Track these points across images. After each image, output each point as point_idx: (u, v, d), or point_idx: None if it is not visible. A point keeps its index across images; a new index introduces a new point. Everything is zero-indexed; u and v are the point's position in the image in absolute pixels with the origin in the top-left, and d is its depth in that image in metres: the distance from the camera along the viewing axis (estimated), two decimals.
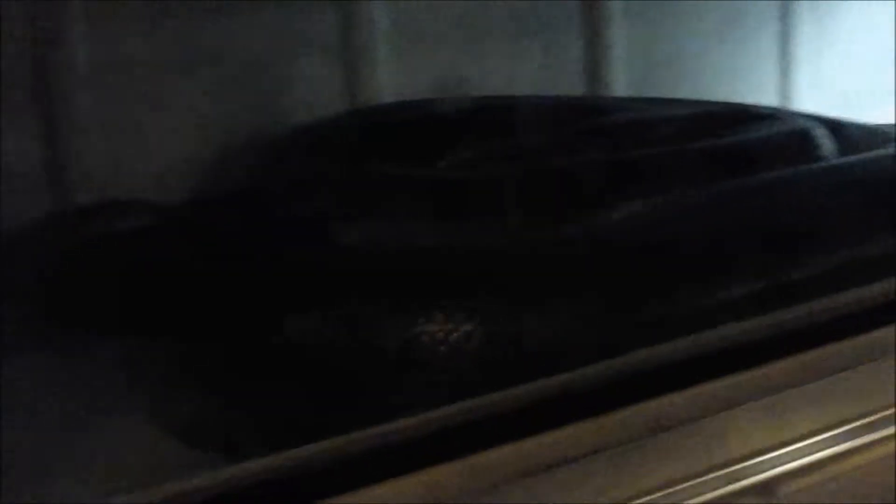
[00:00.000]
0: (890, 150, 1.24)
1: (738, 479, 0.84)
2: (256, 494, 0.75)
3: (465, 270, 0.95)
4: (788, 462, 0.89)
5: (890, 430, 0.94)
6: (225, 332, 0.93)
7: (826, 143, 1.31)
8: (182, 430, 0.95)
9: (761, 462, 0.87)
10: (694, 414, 0.86)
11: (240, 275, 0.95)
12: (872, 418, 0.94)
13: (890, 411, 0.95)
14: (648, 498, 0.80)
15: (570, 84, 1.95)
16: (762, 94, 2.23)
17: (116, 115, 1.47)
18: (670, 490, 0.80)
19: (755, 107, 1.63)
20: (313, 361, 0.91)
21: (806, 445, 0.90)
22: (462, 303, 0.90)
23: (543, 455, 0.79)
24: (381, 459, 0.75)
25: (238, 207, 1.08)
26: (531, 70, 1.92)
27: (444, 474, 0.74)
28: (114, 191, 1.42)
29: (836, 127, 1.42)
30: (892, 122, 1.66)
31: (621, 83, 2.00)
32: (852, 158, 1.24)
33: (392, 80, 1.77)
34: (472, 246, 1.07)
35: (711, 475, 0.85)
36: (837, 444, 0.91)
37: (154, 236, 1.07)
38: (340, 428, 0.78)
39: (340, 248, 0.98)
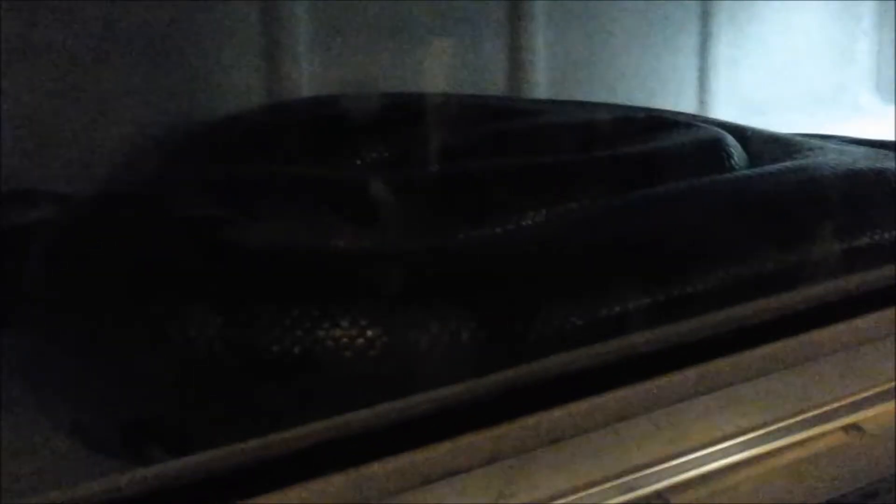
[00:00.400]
0: (800, 162, 1.25)
1: (632, 490, 0.84)
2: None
3: (369, 275, 0.94)
4: (682, 472, 0.89)
5: (785, 441, 0.95)
6: (119, 331, 0.91)
7: (737, 153, 1.32)
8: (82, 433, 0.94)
9: (655, 472, 0.88)
10: (589, 424, 0.86)
11: (130, 273, 0.93)
12: (769, 429, 0.95)
13: (785, 423, 0.96)
14: None
15: (490, 83, 1.96)
16: (679, 99, 2.26)
17: (25, 103, 1.44)
18: (564, 501, 0.80)
19: (672, 113, 1.64)
20: (211, 366, 0.89)
21: (700, 456, 0.90)
22: (366, 308, 0.89)
23: (438, 464, 0.79)
24: (271, 469, 0.75)
25: (139, 203, 1.06)
26: (451, 68, 1.91)
27: (335, 484, 0.74)
28: (23, 180, 1.40)
29: (748, 136, 1.43)
30: (803, 130, 1.68)
31: (541, 83, 2.01)
32: (761, 171, 1.25)
33: (310, 75, 1.76)
34: (375, 250, 1.07)
35: (606, 485, 0.85)
36: (732, 454, 0.92)
37: (52, 228, 1.04)
38: (236, 436, 0.78)
39: (244, 250, 0.96)
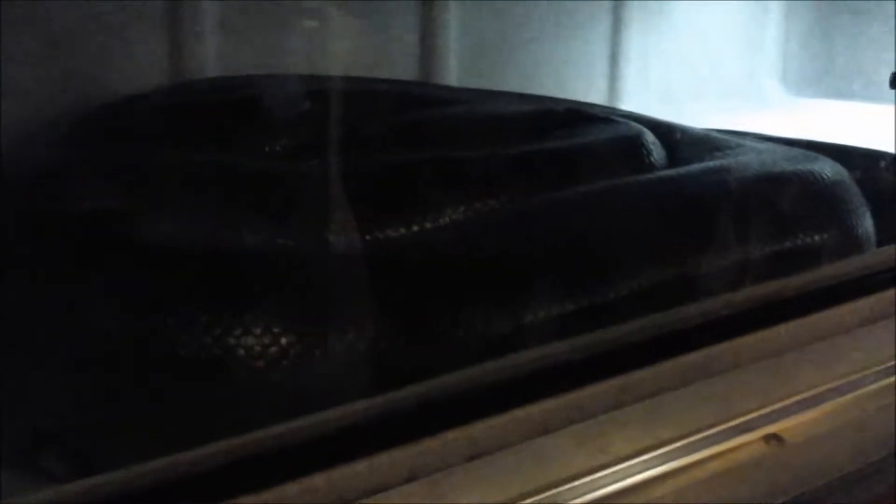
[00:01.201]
0: (719, 162, 1.23)
1: None
2: None
3: (279, 277, 0.89)
4: (604, 486, 0.87)
5: (706, 453, 0.94)
6: (12, 336, 0.85)
7: (656, 150, 1.30)
8: None
9: (576, 487, 0.85)
10: (510, 439, 0.83)
11: (22, 272, 0.87)
12: (689, 440, 0.94)
13: (706, 433, 0.94)
14: None
15: (401, 67, 1.92)
16: (591, 87, 2.24)
17: None
18: None
19: (590, 107, 1.62)
20: (110, 373, 0.84)
21: (621, 469, 0.88)
22: (279, 313, 0.85)
23: (355, 483, 0.75)
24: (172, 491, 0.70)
25: (31, 192, 1.00)
26: (362, 51, 1.87)
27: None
28: None
29: (667, 131, 1.41)
30: (710, 120, 1.68)
31: (453, 69, 1.98)
32: (680, 171, 1.23)
33: (215, 54, 1.71)
34: (284, 249, 1.02)
35: (527, 501, 0.82)
36: (653, 467, 0.90)
37: None
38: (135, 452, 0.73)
39: (145, 247, 0.91)
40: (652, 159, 1.28)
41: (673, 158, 1.33)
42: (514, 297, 0.96)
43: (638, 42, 2.36)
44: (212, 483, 0.71)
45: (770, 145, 1.36)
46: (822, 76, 2.71)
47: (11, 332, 0.88)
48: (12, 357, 0.87)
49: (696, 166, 1.23)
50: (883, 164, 1.40)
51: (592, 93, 2.24)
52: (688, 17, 2.46)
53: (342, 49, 1.84)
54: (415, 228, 1.09)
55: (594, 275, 1.00)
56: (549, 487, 0.84)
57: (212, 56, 1.71)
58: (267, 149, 1.43)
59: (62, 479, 0.74)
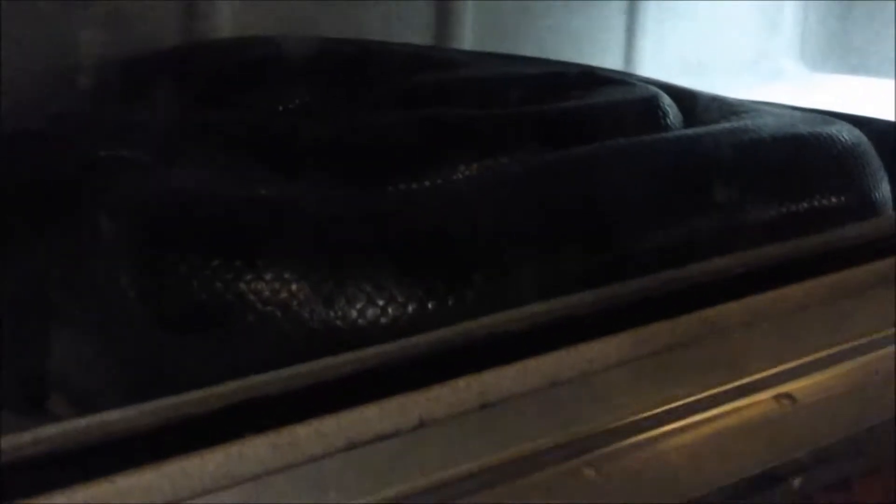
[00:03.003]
0: (736, 123, 1.22)
1: (563, 459, 0.81)
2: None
3: (290, 228, 0.89)
4: (613, 442, 0.86)
5: (717, 410, 0.93)
6: (20, 278, 0.85)
7: (672, 112, 1.29)
8: None
9: (585, 440, 0.85)
10: (520, 388, 0.83)
11: (34, 217, 0.87)
12: (700, 396, 0.93)
13: (716, 390, 0.94)
14: None
15: (416, 32, 1.92)
16: (606, 56, 2.23)
17: None
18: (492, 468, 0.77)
19: (604, 70, 1.61)
20: (122, 316, 0.84)
21: (631, 423, 0.87)
22: (287, 261, 0.84)
23: (365, 428, 0.75)
24: (184, 429, 0.70)
25: (46, 141, 0.99)
26: (377, 15, 1.87)
27: (254, 446, 0.69)
28: None
29: (683, 96, 1.40)
30: (728, 93, 1.66)
31: (468, 35, 1.97)
32: (697, 130, 1.22)
33: (231, 14, 1.71)
34: (300, 199, 1.01)
35: (535, 452, 0.82)
36: (663, 424, 0.89)
37: None
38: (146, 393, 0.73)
39: (159, 195, 0.91)
40: (668, 121, 1.27)
41: (689, 121, 1.31)
42: (526, 256, 0.96)
43: (655, 15, 2.35)
44: (220, 423, 0.71)
45: (787, 110, 1.35)
46: (840, 52, 2.69)
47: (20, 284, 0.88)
48: (20, 305, 0.87)
49: (712, 126, 1.22)
50: None
51: (608, 63, 2.23)
52: None
53: (356, 13, 1.84)
54: (426, 184, 1.09)
55: (607, 233, 0.99)
56: (557, 439, 0.84)
57: (226, 17, 1.70)
58: (281, 108, 1.43)
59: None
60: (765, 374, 0.96)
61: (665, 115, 1.27)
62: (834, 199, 1.12)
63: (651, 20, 2.34)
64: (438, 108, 1.27)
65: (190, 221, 0.89)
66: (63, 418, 0.81)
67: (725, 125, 1.21)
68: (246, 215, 0.91)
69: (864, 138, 1.20)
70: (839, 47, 2.70)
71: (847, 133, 1.18)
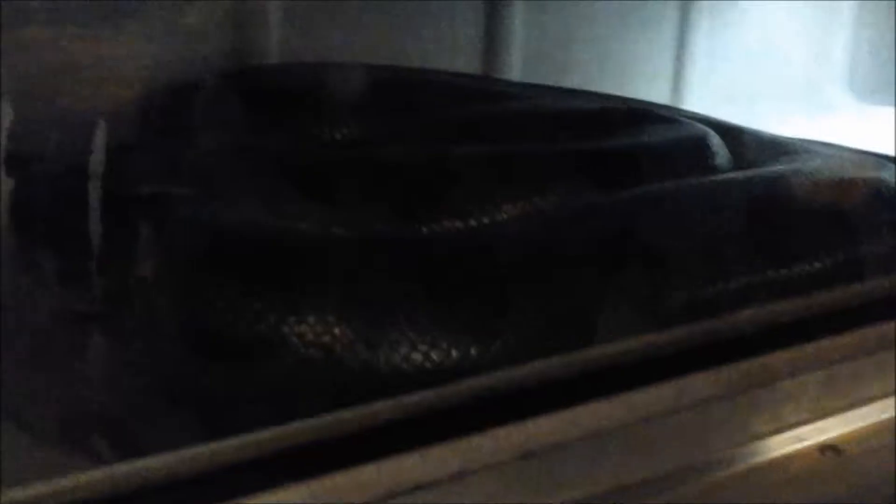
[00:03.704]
0: (785, 166, 1.21)
1: None
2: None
3: (334, 269, 0.89)
4: (659, 492, 0.86)
5: (760, 460, 0.92)
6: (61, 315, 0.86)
7: (721, 152, 1.28)
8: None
9: (628, 491, 0.84)
10: (563, 437, 0.82)
11: (77, 252, 0.87)
12: (744, 448, 0.92)
13: (761, 441, 0.93)
14: None
15: (465, 61, 1.91)
16: (654, 86, 2.22)
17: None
18: None
19: (653, 105, 1.60)
20: (162, 355, 0.84)
21: (677, 474, 0.87)
22: (332, 303, 0.84)
23: (404, 477, 0.74)
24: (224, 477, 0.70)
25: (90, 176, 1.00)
26: (426, 43, 1.87)
27: (294, 495, 0.69)
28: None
29: (733, 134, 1.39)
30: (775, 124, 1.65)
31: (516, 64, 1.97)
32: (748, 173, 1.21)
33: (280, 41, 1.71)
34: (344, 236, 1.02)
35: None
36: (706, 472, 0.89)
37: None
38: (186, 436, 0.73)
39: (202, 235, 0.91)
40: (716, 161, 1.26)
41: (738, 161, 1.30)
42: (573, 297, 0.95)
43: (704, 43, 2.33)
44: (261, 469, 0.71)
45: (838, 150, 1.33)
46: (890, 83, 2.66)
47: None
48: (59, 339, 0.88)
49: (761, 170, 1.21)
50: None
51: (655, 92, 2.21)
52: (756, 20, 2.43)
53: (406, 42, 1.84)
54: (472, 223, 1.08)
55: (652, 279, 0.98)
56: (598, 490, 0.83)
57: (275, 44, 1.71)
58: (329, 137, 1.43)
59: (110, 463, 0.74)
60: (809, 425, 0.95)
61: (714, 155, 1.26)
62: (883, 247, 1.10)
63: (700, 49, 2.32)
64: (487, 145, 1.27)
65: (233, 262, 0.89)
66: (104, 458, 0.82)
67: (775, 168, 1.20)
68: (289, 256, 0.91)
69: None
70: (890, 79, 2.67)
71: None
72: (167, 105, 1.44)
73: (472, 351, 0.86)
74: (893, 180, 1.16)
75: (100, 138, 1.31)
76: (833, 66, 2.68)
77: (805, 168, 1.18)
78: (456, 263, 0.94)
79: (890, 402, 1.00)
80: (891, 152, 1.66)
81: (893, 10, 2.66)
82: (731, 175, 1.21)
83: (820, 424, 0.96)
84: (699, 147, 1.27)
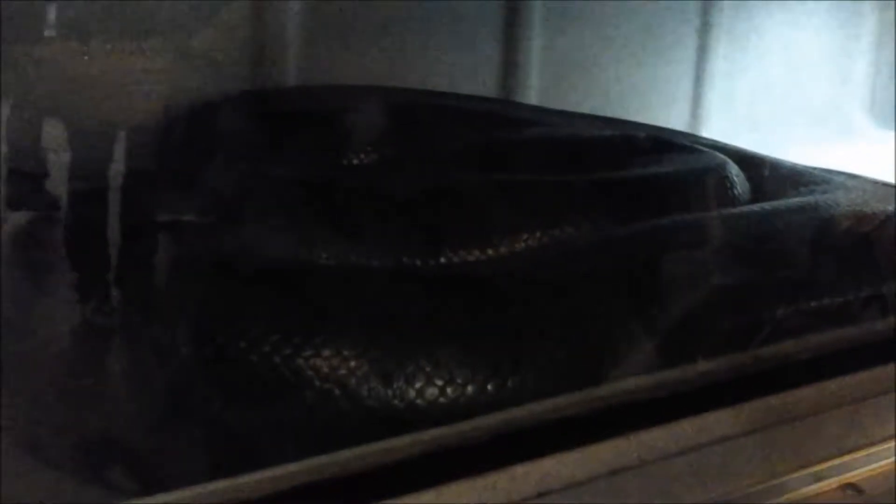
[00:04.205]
0: (804, 199, 1.20)
1: None
2: None
3: (349, 303, 0.88)
4: None
5: (782, 499, 0.91)
6: (78, 345, 0.85)
7: (740, 183, 1.27)
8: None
9: None
10: (580, 475, 0.81)
11: (97, 283, 0.87)
12: (763, 486, 0.91)
13: (781, 479, 0.92)
14: None
15: (483, 84, 1.91)
16: (673, 110, 2.22)
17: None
18: None
19: (671, 133, 1.59)
20: (180, 387, 0.84)
21: None
22: (345, 338, 0.84)
23: None
24: None
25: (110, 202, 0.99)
26: (445, 67, 1.87)
27: None
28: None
29: (752, 163, 1.38)
30: (795, 148, 1.64)
31: (534, 87, 1.96)
32: (766, 206, 1.20)
33: (301, 62, 1.71)
34: (361, 269, 1.01)
35: None
36: None
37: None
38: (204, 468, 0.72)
39: (222, 264, 0.91)
40: (735, 192, 1.25)
41: (757, 191, 1.29)
42: (590, 328, 0.94)
43: (723, 68, 2.32)
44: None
45: (860, 182, 1.32)
46: None
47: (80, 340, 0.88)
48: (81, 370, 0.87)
49: (780, 203, 1.20)
50: None
51: (675, 117, 2.21)
52: (775, 45, 2.42)
53: (424, 66, 1.83)
54: (490, 252, 1.08)
55: (670, 313, 0.97)
56: None
57: (293, 66, 1.71)
58: (345, 162, 1.42)
59: (127, 494, 0.73)
60: (831, 463, 0.94)
61: (732, 185, 1.25)
62: None
63: (719, 72, 2.32)
64: (506, 173, 1.26)
65: (246, 293, 0.89)
66: (122, 489, 0.81)
67: (794, 201, 1.19)
68: (303, 287, 0.90)
69: None
70: None
71: None
72: (186, 125, 1.44)
73: (489, 386, 0.85)
74: None
75: (120, 150, 1.31)
76: (853, 90, 2.66)
77: (824, 200, 1.17)
78: (472, 296, 0.93)
79: None
80: None
81: None
82: (749, 208, 1.20)
83: (841, 462, 0.95)
84: (718, 177, 1.26)
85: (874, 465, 0.96)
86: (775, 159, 1.43)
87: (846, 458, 0.95)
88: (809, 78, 2.56)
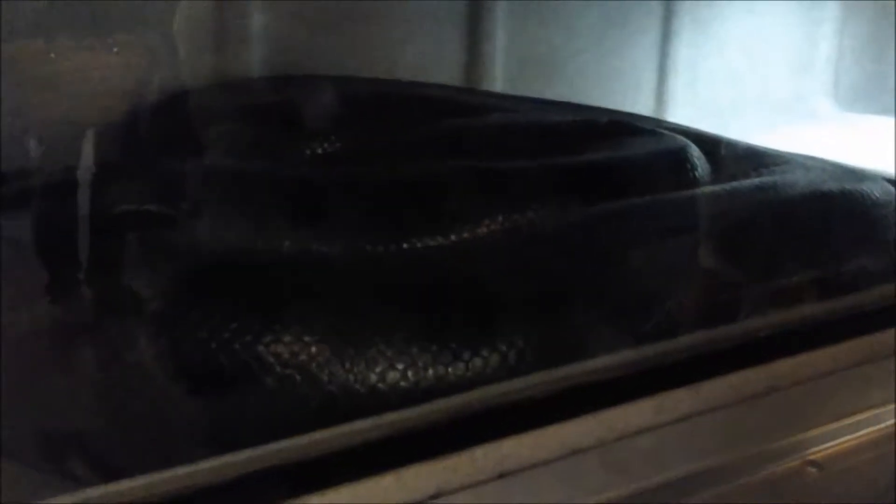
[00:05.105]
0: (763, 179, 1.21)
1: None
2: None
3: (310, 288, 0.88)
4: None
5: (745, 479, 0.92)
6: (38, 337, 0.85)
7: (701, 164, 1.28)
8: None
9: None
10: (538, 456, 0.82)
11: (58, 274, 0.87)
12: (725, 462, 0.92)
13: (747, 455, 0.92)
14: None
15: (447, 73, 1.91)
16: (637, 97, 2.22)
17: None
18: None
19: (633, 117, 1.60)
20: (139, 377, 0.84)
21: (658, 491, 0.86)
22: (307, 320, 0.84)
23: (383, 497, 0.74)
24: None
25: (74, 193, 0.99)
26: (408, 56, 1.87)
27: None
28: None
29: (713, 145, 1.39)
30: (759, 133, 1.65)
31: (499, 76, 1.96)
32: (726, 187, 1.20)
33: (264, 53, 1.71)
34: (322, 255, 1.01)
35: None
36: (687, 493, 0.88)
37: None
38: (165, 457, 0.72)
39: (182, 253, 0.90)
40: (696, 174, 1.26)
41: (718, 172, 1.30)
42: (554, 314, 0.95)
43: (687, 55, 2.33)
44: (232, 493, 0.70)
45: (819, 162, 1.33)
46: (875, 93, 2.67)
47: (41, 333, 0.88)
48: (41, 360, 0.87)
49: (740, 183, 1.21)
50: None
51: (639, 105, 2.22)
52: (739, 31, 2.43)
53: (387, 55, 1.83)
54: (452, 238, 1.08)
55: (631, 294, 0.98)
56: None
57: (256, 56, 1.71)
58: (308, 152, 1.42)
59: (87, 484, 0.73)
60: (790, 440, 0.95)
61: (693, 167, 1.26)
62: (863, 260, 1.10)
63: (682, 60, 2.32)
64: (467, 160, 1.27)
65: (208, 281, 0.89)
66: (81, 479, 0.81)
67: (753, 182, 1.20)
68: (264, 275, 0.90)
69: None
70: (874, 88, 2.67)
71: (879, 191, 1.16)
72: (151, 119, 1.44)
73: (450, 369, 0.86)
74: (872, 194, 1.16)
75: (88, 148, 1.31)
76: (817, 75, 2.68)
77: (783, 180, 1.17)
78: (434, 282, 0.93)
79: (871, 415, 0.99)
80: (873, 161, 1.67)
81: (876, 20, 2.66)
82: (709, 188, 1.21)
83: (800, 439, 0.96)
84: (679, 159, 1.27)
85: (835, 443, 0.97)
86: (735, 141, 1.44)
87: (806, 434, 0.96)
88: (773, 63, 2.57)
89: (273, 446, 0.74)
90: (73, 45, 1.45)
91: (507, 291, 0.96)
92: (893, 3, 2.55)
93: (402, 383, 0.84)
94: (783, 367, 0.97)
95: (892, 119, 2.44)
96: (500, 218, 1.12)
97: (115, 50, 1.49)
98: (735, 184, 1.21)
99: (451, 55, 1.93)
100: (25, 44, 1.38)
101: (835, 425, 0.97)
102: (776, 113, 2.51)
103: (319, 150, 1.43)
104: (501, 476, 0.79)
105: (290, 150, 1.41)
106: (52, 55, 1.42)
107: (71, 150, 1.36)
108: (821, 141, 2.25)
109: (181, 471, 0.71)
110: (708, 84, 2.39)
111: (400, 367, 0.85)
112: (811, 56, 2.66)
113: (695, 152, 1.30)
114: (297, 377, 0.83)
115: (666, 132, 1.41)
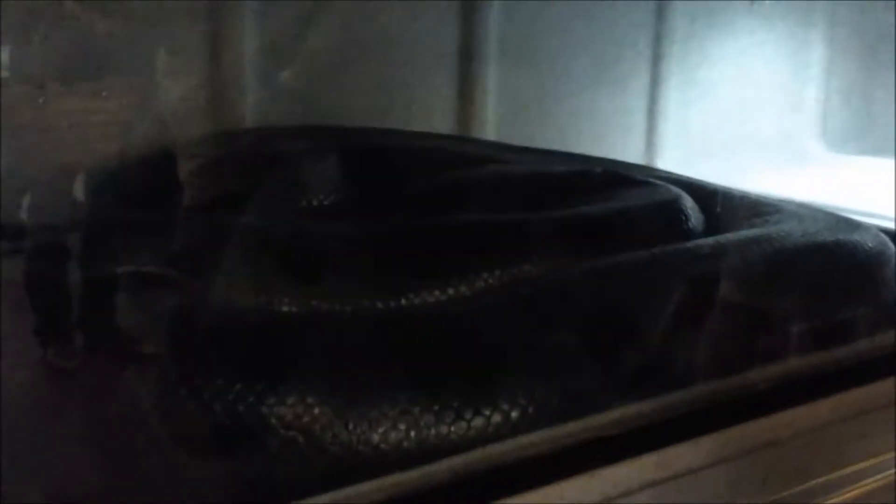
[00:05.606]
0: (758, 231, 1.21)
1: None
2: None
3: (312, 350, 0.89)
4: None
5: None
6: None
7: (694, 216, 1.29)
8: None
9: None
10: None
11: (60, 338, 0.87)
12: None
13: None
14: None
15: (439, 121, 1.92)
16: (628, 140, 2.23)
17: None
18: None
19: (628, 167, 1.61)
20: (145, 439, 0.84)
21: None
22: (308, 385, 0.84)
23: None
24: None
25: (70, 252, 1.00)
26: (400, 103, 1.88)
27: None
28: None
29: (705, 194, 1.40)
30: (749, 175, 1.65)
31: (490, 121, 1.97)
32: (719, 239, 1.21)
33: (255, 104, 1.71)
34: (322, 314, 1.02)
35: None
36: None
37: None
38: None
39: (183, 317, 0.91)
40: (689, 225, 1.27)
41: (711, 222, 1.31)
42: (552, 367, 0.95)
43: (676, 97, 2.35)
44: None
45: (811, 211, 1.34)
46: (863, 133, 2.69)
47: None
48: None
49: (734, 235, 1.22)
50: None
51: (630, 148, 2.23)
52: (727, 75, 2.45)
53: (380, 103, 1.84)
54: (450, 293, 1.08)
55: (630, 347, 0.98)
56: None
57: (251, 106, 1.71)
58: (304, 203, 1.43)
59: None
60: (792, 491, 0.95)
61: (686, 218, 1.27)
62: (860, 310, 1.11)
63: (673, 103, 2.34)
64: (465, 213, 1.27)
65: (210, 345, 0.89)
66: None
67: (747, 234, 1.20)
68: (265, 335, 0.91)
69: (889, 245, 1.19)
70: (862, 128, 2.69)
71: (872, 241, 1.17)
72: (143, 171, 1.43)
73: (453, 428, 0.86)
74: (866, 243, 1.17)
75: (79, 191, 1.31)
76: (805, 116, 2.70)
77: (778, 231, 1.18)
78: (433, 338, 0.94)
79: (873, 464, 1.00)
80: (864, 202, 1.68)
81: (863, 60, 2.69)
82: (703, 242, 1.21)
83: (803, 489, 0.96)
84: (672, 211, 1.27)
85: (836, 493, 0.98)
86: (729, 190, 1.45)
87: (808, 483, 0.96)
88: (762, 106, 2.59)
89: None
90: (61, 90, 1.45)
91: (506, 348, 0.96)
92: (879, 45, 2.57)
93: (406, 443, 0.84)
94: (783, 419, 0.97)
95: (879, 159, 2.45)
96: (498, 272, 1.12)
97: (105, 96, 1.50)
98: (728, 237, 1.21)
99: (442, 102, 1.94)
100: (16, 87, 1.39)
101: (836, 475, 0.97)
102: (766, 154, 2.52)
103: (315, 203, 1.43)
104: None
105: (285, 203, 1.41)
106: (41, 100, 1.42)
107: (62, 198, 1.36)
108: (811, 182, 2.26)
109: None
110: (698, 127, 2.40)
111: (402, 427, 0.85)
112: (799, 98, 2.68)
113: (688, 203, 1.30)
114: (300, 439, 0.83)
115: (659, 182, 1.41)
